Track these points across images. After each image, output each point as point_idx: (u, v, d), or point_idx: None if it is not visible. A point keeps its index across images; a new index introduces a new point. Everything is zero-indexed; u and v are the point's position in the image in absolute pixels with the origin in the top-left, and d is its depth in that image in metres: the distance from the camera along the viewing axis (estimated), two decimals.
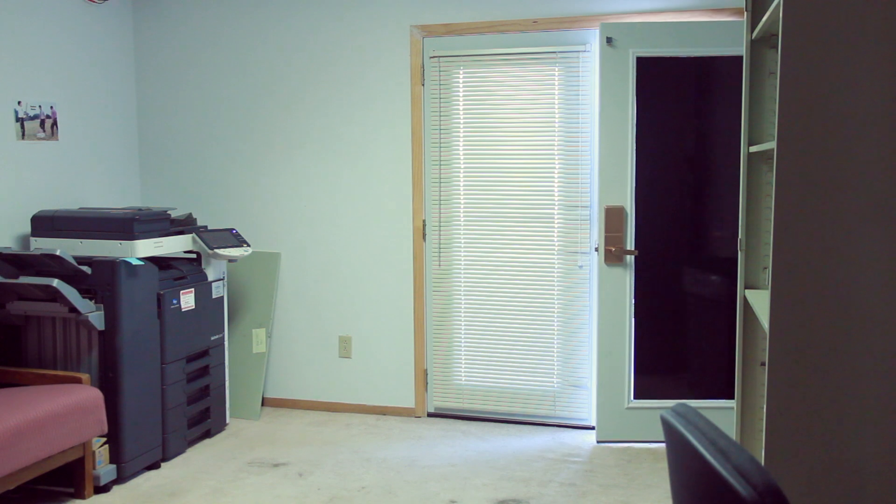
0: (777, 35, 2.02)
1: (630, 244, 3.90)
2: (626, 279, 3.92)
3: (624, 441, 3.97)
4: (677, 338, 4.03)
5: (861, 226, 1.89)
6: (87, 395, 3.25)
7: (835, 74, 1.89)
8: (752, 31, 2.75)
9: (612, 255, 3.88)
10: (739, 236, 2.84)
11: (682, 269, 4.00)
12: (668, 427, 1.34)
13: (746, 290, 2.78)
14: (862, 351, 1.90)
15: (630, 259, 3.91)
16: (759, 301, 2.51)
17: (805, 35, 1.91)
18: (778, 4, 2.08)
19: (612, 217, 3.86)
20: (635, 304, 3.95)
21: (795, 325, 1.94)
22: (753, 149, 2.69)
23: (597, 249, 3.96)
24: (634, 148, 3.87)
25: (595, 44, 3.99)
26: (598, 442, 3.96)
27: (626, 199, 3.88)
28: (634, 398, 3.98)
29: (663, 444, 3.81)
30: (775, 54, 2.69)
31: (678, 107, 3.97)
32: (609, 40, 3.81)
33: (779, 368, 1.97)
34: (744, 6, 2.79)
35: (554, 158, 4.10)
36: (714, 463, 1.14)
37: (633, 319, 3.95)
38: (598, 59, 3.89)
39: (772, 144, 2.10)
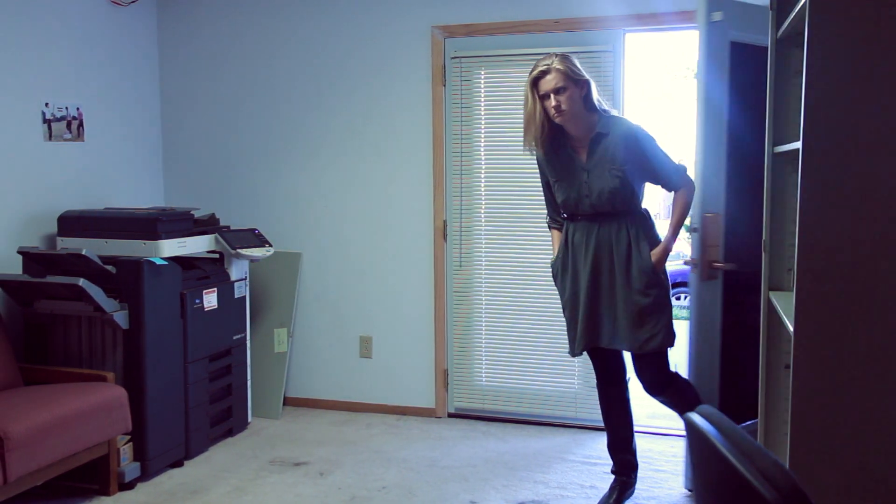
0: (803, 34, 1.99)
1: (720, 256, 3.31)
2: (718, 297, 3.33)
3: None
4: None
5: (887, 226, 1.86)
6: (112, 394, 3.29)
7: (861, 74, 1.87)
8: (777, 30, 2.72)
9: (710, 271, 3.27)
10: (763, 237, 2.81)
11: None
12: (692, 428, 1.33)
13: (771, 292, 2.75)
14: (889, 353, 1.88)
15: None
16: (784, 303, 2.49)
17: (831, 34, 1.88)
18: (804, 3, 2.06)
19: (711, 227, 3.25)
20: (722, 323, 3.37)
21: (820, 328, 1.92)
22: (778, 149, 2.66)
23: (689, 263, 3.35)
24: (726, 145, 3.30)
25: (620, 43, 3.96)
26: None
27: (721, 206, 3.29)
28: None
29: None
30: (801, 53, 2.66)
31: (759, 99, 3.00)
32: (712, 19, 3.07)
33: (803, 371, 1.95)
34: (769, 4, 2.76)
35: None
36: (738, 465, 1.13)
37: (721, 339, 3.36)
38: (703, 41, 3.19)
39: (797, 145, 2.08)
